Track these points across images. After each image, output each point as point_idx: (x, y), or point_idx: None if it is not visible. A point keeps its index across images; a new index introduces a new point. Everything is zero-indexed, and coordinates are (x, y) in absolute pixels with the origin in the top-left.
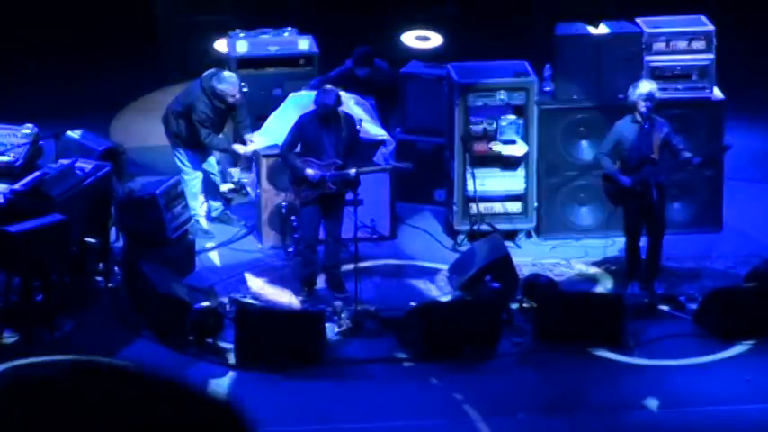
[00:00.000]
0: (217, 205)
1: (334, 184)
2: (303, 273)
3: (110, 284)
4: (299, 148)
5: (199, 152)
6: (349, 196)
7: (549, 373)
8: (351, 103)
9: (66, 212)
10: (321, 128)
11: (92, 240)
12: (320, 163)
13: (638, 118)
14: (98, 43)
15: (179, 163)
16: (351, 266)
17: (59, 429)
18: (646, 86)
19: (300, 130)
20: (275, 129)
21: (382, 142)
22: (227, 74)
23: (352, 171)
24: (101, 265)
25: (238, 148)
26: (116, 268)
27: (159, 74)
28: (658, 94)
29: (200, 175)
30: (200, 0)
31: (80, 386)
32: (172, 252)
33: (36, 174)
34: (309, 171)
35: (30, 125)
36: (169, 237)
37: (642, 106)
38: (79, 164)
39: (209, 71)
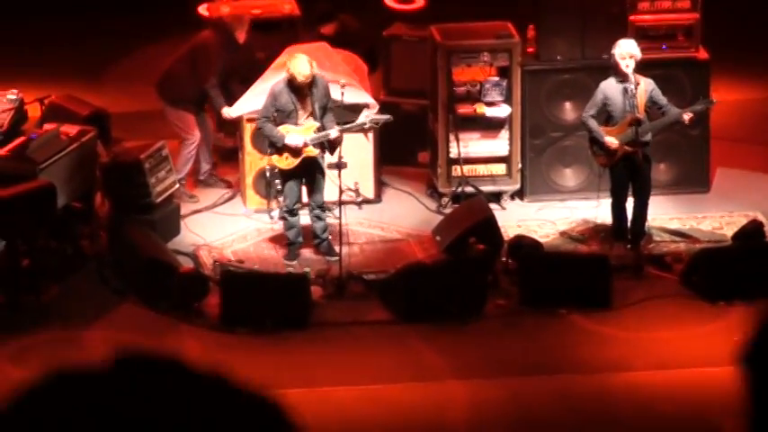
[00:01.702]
0: (205, 168)
1: (315, 147)
2: (287, 236)
3: (95, 249)
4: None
5: (198, 115)
6: (333, 159)
7: (533, 334)
8: (337, 64)
9: (51, 177)
10: (294, 93)
11: (77, 205)
12: (298, 129)
13: (620, 77)
14: (80, 8)
15: (178, 128)
16: (336, 230)
17: (105, 427)
18: (626, 46)
19: (274, 98)
20: (262, 92)
21: (366, 105)
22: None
23: (333, 131)
24: (86, 229)
25: (227, 111)
26: (101, 233)
27: (143, 39)
28: (640, 54)
29: (198, 138)
30: None
31: (124, 381)
32: (156, 216)
33: (21, 139)
34: (290, 138)
35: (14, 90)
36: (154, 201)
37: (624, 66)
38: (64, 128)
39: (214, 19)
